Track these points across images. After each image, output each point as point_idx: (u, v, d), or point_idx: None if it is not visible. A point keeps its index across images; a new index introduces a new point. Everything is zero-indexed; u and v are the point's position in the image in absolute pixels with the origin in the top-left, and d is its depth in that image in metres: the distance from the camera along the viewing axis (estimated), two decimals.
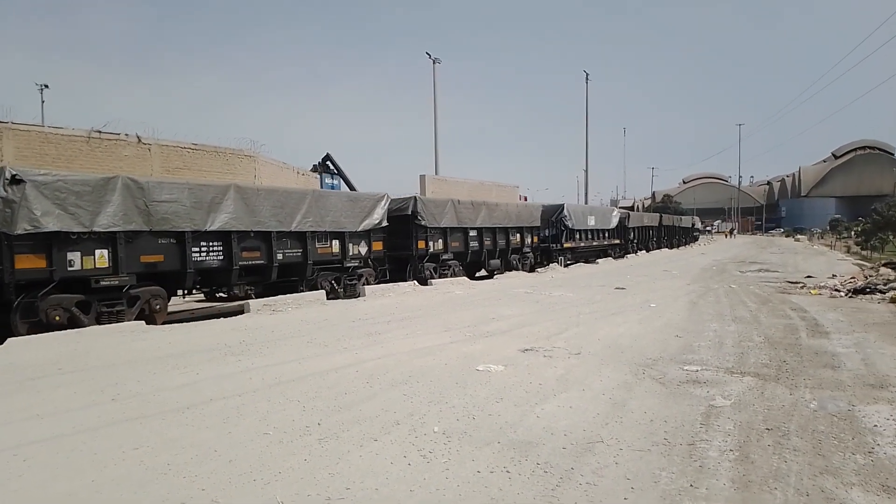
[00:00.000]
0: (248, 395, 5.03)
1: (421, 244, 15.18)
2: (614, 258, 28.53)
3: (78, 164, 15.45)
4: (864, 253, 29.09)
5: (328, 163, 31.48)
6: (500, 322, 8.90)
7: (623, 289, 13.84)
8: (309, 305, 11.23)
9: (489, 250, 18.26)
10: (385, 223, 13.92)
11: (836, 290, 12.17)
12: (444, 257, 16.14)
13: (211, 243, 10.10)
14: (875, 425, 4.06)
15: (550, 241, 22.62)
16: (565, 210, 22.87)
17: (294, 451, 3.72)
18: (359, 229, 13.15)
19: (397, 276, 14.68)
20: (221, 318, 9.89)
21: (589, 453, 3.62)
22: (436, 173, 33.02)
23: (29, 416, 4.57)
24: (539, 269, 20.73)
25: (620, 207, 51.16)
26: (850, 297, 11.35)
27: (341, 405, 4.70)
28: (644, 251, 34.69)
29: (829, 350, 6.61)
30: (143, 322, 9.05)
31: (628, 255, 30.62)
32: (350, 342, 7.42)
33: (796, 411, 4.41)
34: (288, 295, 11.51)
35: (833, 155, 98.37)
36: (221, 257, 10.26)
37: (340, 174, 31.43)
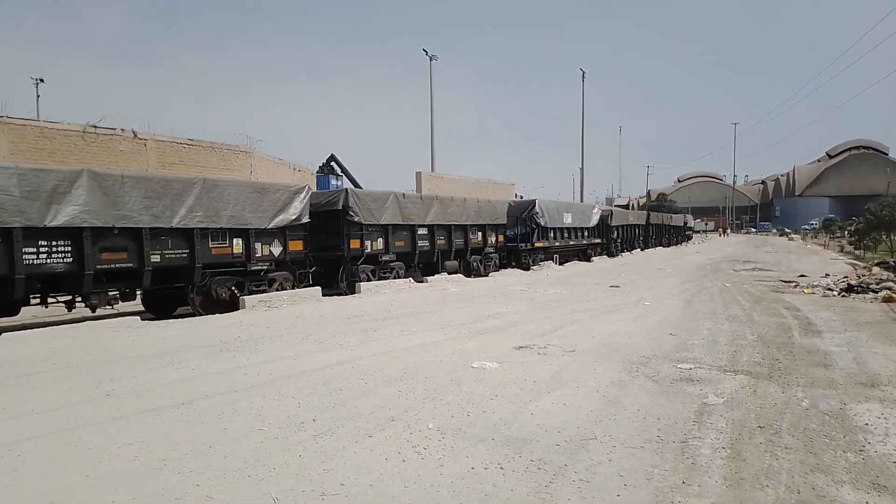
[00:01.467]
0: (243, 392, 5.03)
1: (355, 244, 13.44)
2: (609, 256, 28.57)
3: (73, 158, 15.40)
4: (857, 252, 29.25)
5: (333, 163, 31.58)
6: (496, 319, 8.92)
7: (617, 287, 13.89)
8: (304, 302, 11.25)
9: (443, 251, 16.42)
10: (306, 219, 12.09)
11: (829, 289, 12.25)
12: (384, 258, 14.44)
13: (54, 242, 8.30)
14: (866, 423, 4.10)
15: (521, 239, 20.80)
16: (537, 206, 21.17)
17: (289, 448, 3.73)
18: (269, 226, 11.30)
19: (327, 279, 13.09)
20: (217, 314, 9.88)
21: (582, 450, 3.64)
22: (432, 170, 33.05)
23: (24, 411, 4.57)
24: (534, 267, 20.71)
25: (616, 206, 51.43)
26: (842, 296, 11.42)
27: (336, 401, 4.71)
28: (639, 249, 34.81)
29: (821, 349, 6.65)
30: (139, 318, 9.01)
31: (623, 254, 30.72)
32: (345, 339, 7.43)
33: (788, 409, 4.44)
34: (283, 291, 11.47)
35: (827, 154, 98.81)
36: (70, 259, 8.43)
37: (346, 174, 31.51)
